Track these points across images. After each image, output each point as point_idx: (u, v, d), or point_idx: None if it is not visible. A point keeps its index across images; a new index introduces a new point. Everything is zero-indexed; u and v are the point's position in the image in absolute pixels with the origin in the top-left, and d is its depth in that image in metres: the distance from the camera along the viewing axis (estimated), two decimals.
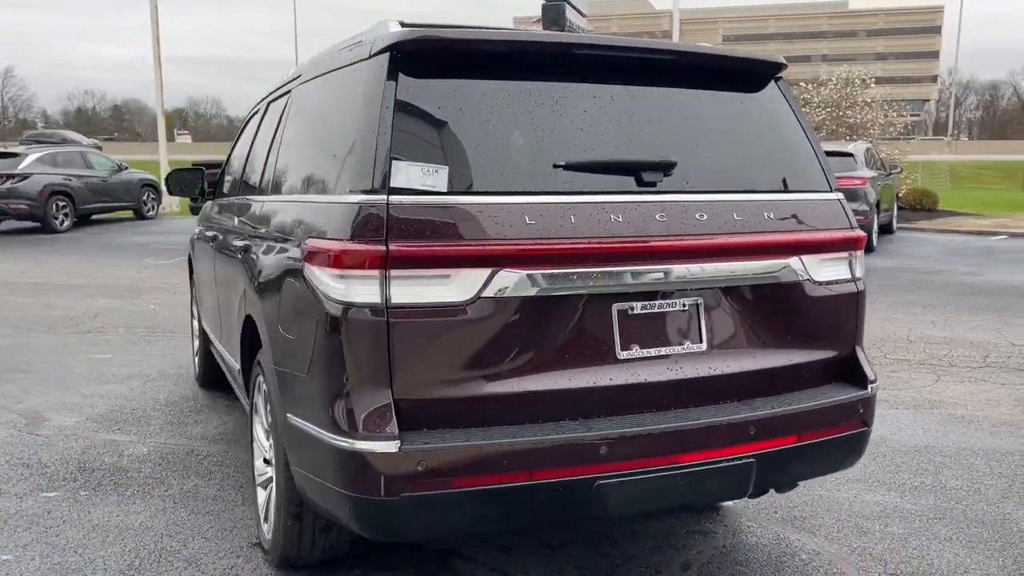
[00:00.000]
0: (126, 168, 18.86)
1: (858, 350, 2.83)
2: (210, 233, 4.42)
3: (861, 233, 2.81)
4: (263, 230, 3.10)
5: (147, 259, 12.70)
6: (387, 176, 2.29)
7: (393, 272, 2.24)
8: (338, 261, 2.31)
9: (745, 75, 2.84)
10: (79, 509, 3.60)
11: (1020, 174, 33.73)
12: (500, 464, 2.25)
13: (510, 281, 2.29)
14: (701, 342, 2.55)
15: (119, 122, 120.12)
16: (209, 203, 4.98)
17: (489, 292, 2.28)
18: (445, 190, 2.31)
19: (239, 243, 3.43)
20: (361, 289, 2.26)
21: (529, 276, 2.30)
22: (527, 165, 2.42)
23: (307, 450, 2.51)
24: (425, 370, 2.28)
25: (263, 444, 3.24)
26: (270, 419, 3.03)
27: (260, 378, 3.09)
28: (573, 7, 14.94)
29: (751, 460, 2.49)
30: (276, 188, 3.20)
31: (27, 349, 6.73)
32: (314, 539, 2.86)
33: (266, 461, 3.24)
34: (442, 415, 2.31)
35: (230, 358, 3.87)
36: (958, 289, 9.35)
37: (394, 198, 2.27)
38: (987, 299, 8.87)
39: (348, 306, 2.28)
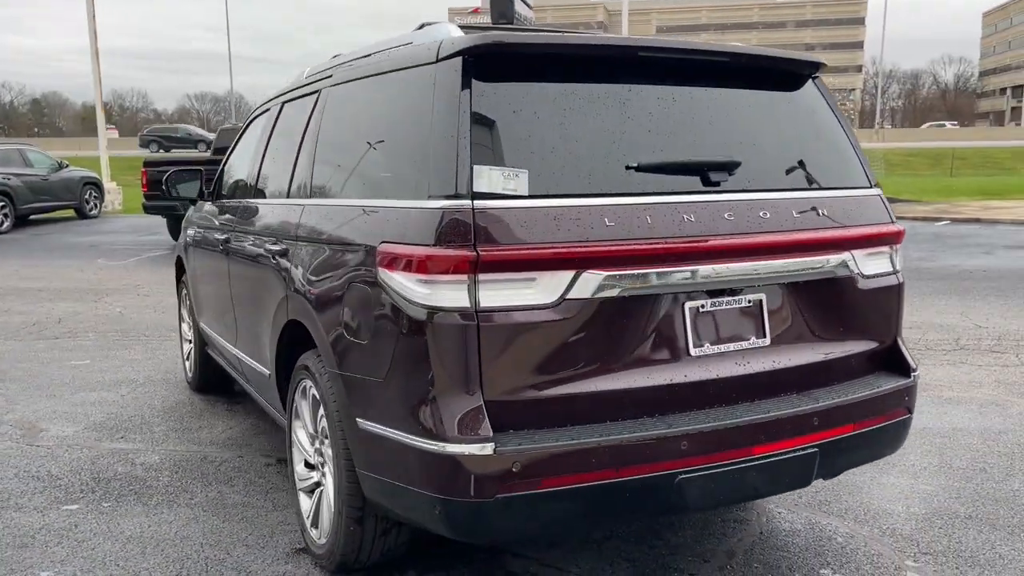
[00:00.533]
0: (67, 166, 18.24)
1: (899, 340, 2.95)
2: (219, 236, 4.33)
3: (901, 227, 2.93)
4: (308, 234, 3.06)
5: (99, 260, 12.33)
6: (470, 181, 2.30)
7: (481, 276, 2.25)
8: (422, 266, 2.31)
9: (789, 75, 2.93)
10: (106, 521, 3.51)
11: (947, 160, 35.11)
12: (589, 463, 2.30)
13: (593, 282, 2.32)
14: (765, 337, 2.63)
15: (39, 117, 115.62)
16: (207, 205, 4.87)
17: (573, 294, 2.31)
18: (526, 193, 2.34)
19: (272, 247, 3.38)
20: (449, 294, 2.27)
21: (611, 277, 2.34)
22: (601, 167, 2.46)
23: (384, 454, 2.51)
24: (512, 372, 2.31)
25: (306, 448, 3.21)
26: (320, 424, 3.01)
27: (306, 383, 3.06)
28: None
29: (815, 450, 2.59)
30: (318, 192, 3.16)
31: None
32: (374, 542, 2.85)
33: (308, 465, 3.22)
34: (528, 416, 2.34)
35: (254, 363, 3.81)
36: (916, 275, 9.71)
37: (479, 203, 2.29)
38: (946, 283, 9.25)
39: (434, 310, 2.29)
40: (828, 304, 2.76)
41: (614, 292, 2.35)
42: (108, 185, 20.18)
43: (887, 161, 34.43)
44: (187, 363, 5.73)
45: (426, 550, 3.18)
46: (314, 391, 2.99)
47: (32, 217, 17.69)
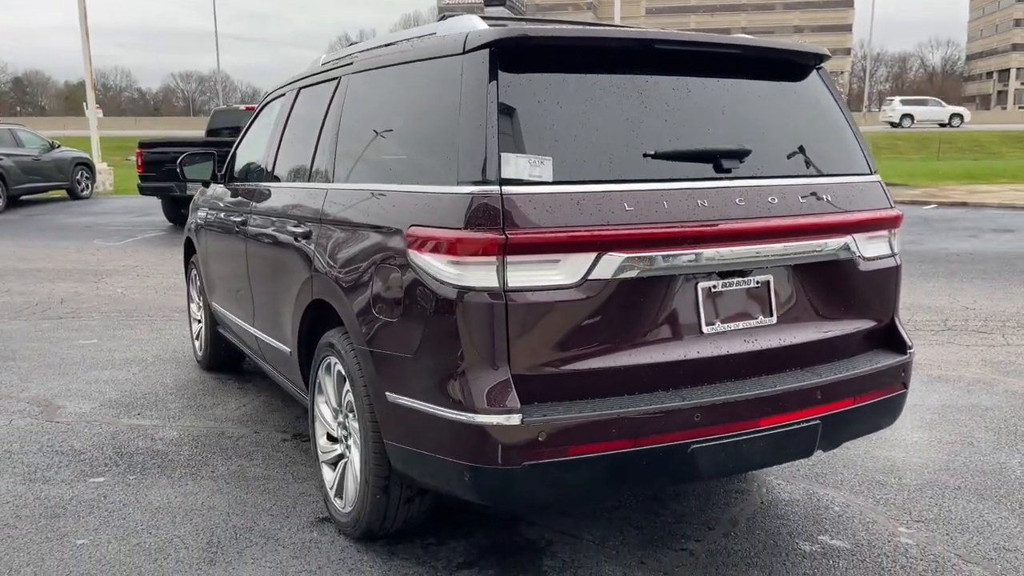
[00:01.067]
0: (58, 146, 18.18)
1: (896, 319, 3.12)
2: (234, 218, 4.44)
3: (900, 212, 3.09)
4: (334, 217, 3.18)
5: (95, 241, 12.37)
6: (498, 168, 2.43)
7: (509, 258, 2.39)
8: (453, 248, 2.44)
9: (795, 65, 3.07)
10: (134, 492, 3.65)
11: (933, 144, 35.38)
12: (609, 433, 2.45)
13: (614, 263, 2.47)
14: (772, 316, 2.78)
15: (21, 95, 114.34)
16: (219, 187, 4.98)
17: (595, 274, 2.46)
18: (551, 179, 2.47)
19: (294, 229, 3.50)
20: (478, 274, 2.41)
21: (630, 258, 2.48)
22: (620, 154, 2.59)
23: (413, 426, 2.65)
24: (537, 348, 2.45)
25: (329, 422, 3.35)
26: (345, 398, 3.15)
27: (331, 359, 3.20)
28: None
29: (818, 422, 2.75)
30: (341, 177, 3.28)
31: (2, 336, 6.58)
32: (399, 510, 3.01)
33: (331, 439, 3.36)
34: (552, 389, 2.49)
35: (273, 341, 3.94)
36: (905, 258, 9.82)
37: (507, 188, 2.42)
38: (933, 266, 9.46)
39: (464, 290, 2.43)
40: (831, 285, 2.92)
41: (633, 273, 2.50)
42: (99, 166, 20.13)
43: (874, 144, 34.68)
44: (196, 342, 5.84)
45: (446, 518, 3.33)
46: (339, 367, 3.12)
47: (23, 198, 17.66)
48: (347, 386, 3.08)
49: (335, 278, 3.07)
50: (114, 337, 6.59)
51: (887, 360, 2.99)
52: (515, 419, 2.38)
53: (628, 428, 2.47)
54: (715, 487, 3.69)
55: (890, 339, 3.09)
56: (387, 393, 2.75)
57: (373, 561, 3.05)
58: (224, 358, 5.52)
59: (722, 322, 2.69)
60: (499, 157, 2.44)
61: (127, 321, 7.20)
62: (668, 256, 2.54)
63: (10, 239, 12.61)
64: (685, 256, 2.56)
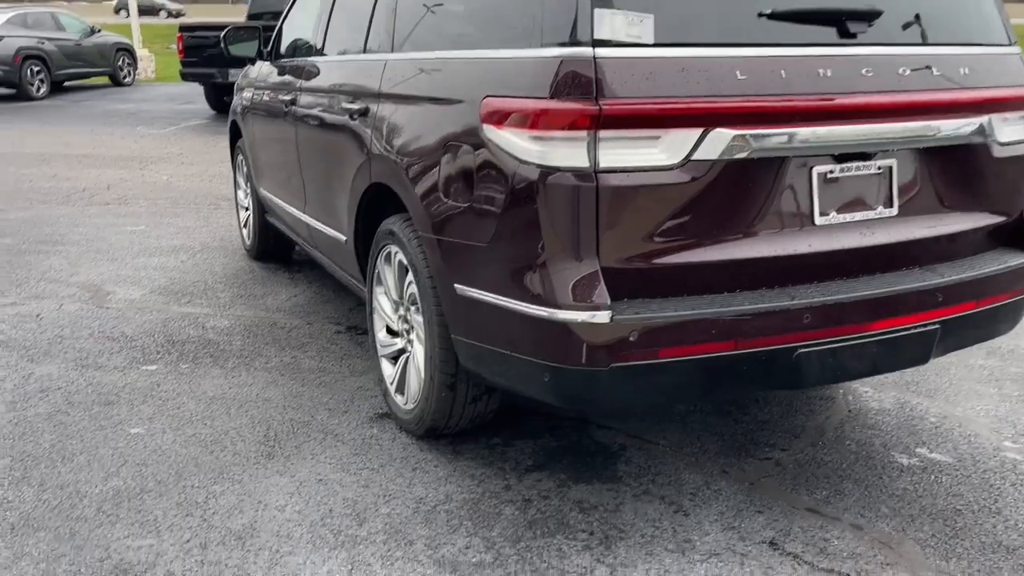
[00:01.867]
0: (99, 31, 17.81)
1: None
2: (282, 97, 4.15)
3: None
4: (394, 91, 2.88)
5: (139, 128, 12.16)
6: (590, 26, 2.09)
7: (602, 133, 2.08)
8: (536, 122, 2.14)
9: None
10: (187, 382, 3.52)
11: None
12: (708, 334, 2.19)
13: (722, 141, 2.14)
14: (892, 207, 2.45)
15: None
16: (265, 65, 4.66)
17: (699, 154, 2.14)
18: (651, 41, 2.13)
19: (349, 106, 3.20)
20: (565, 152, 2.11)
21: (741, 136, 2.16)
22: (732, 13, 2.23)
23: (485, 321, 2.42)
24: (630, 237, 2.17)
25: (388, 315, 3.15)
26: (408, 290, 2.92)
27: (391, 248, 2.96)
28: None
29: (936, 327, 2.46)
30: (402, 46, 2.95)
31: (51, 221, 6.47)
32: (464, 408, 2.82)
33: (391, 332, 3.16)
34: (644, 284, 2.22)
35: (326, 229, 3.71)
36: None
37: (601, 51, 2.09)
38: None
39: (548, 170, 2.14)
40: (959, 173, 2.56)
41: (743, 153, 2.17)
42: (140, 52, 19.76)
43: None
44: (244, 231, 5.66)
45: (510, 417, 3.15)
46: (401, 257, 2.88)
47: (66, 84, 17.46)
48: (410, 277, 2.84)
49: (396, 159, 2.79)
50: (161, 224, 6.44)
51: (1016, 260, 2.65)
52: (603, 316, 2.12)
53: (729, 329, 2.20)
54: (797, 393, 3.44)
55: (1018, 236, 2.74)
56: (456, 285, 2.50)
57: (437, 460, 2.89)
58: (273, 247, 5.33)
59: (837, 212, 2.37)
60: (592, 13, 2.09)
61: (173, 208, 7.04)
62: (783, 134, 2.20)
63: (55, 125, 12.47)
64: (803, 134, 2.22)
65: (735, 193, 2.23)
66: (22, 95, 15.27)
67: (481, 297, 2.40)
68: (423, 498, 2.65)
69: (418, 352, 2.89)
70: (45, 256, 5.48)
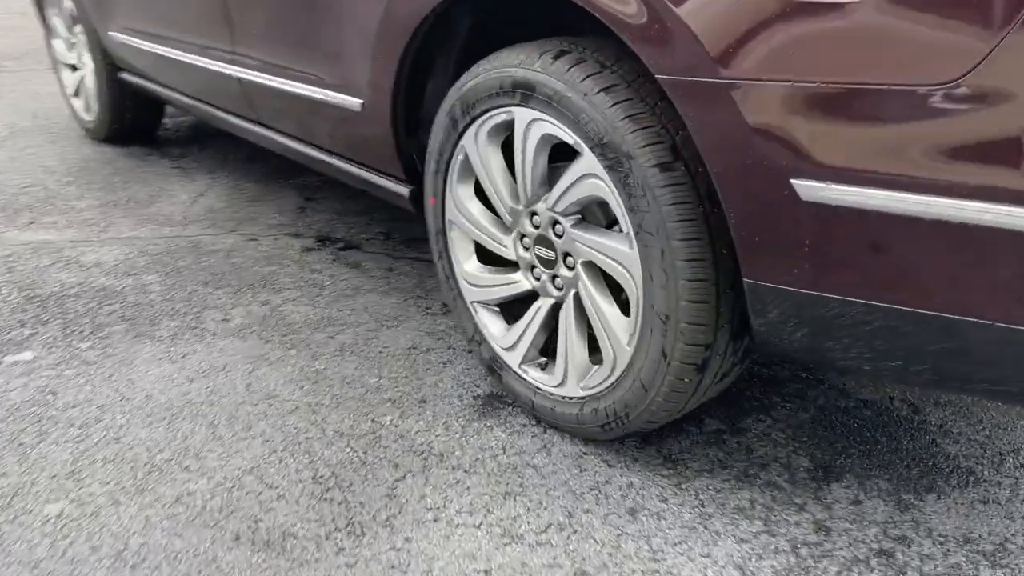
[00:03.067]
0: None
1: None
2: None
3: None
4: None
5: None
6: None
7: None
8: None
9: None
10: (110, 386, 2.01)
11: None
12: None
13: None
14: None
15: None
16: None
17: None
18: None
19: None
20: None
21: None
22: None
23: (891, 256, 1.16)
24: None
25: (495, 234, 1.79)
26: (573, 191, 1.58)
27: (521, 114, 1.57)
28: None
29: None
30: None
31: None
32: (703, 394, 1.60)
33: (495, 262, 1.82)
34: None
35: (306, 89, 2.17)
36: None
37: None
38: None
39: None
40: None
41: None
42: None
43: None
44: (76, 101, 3.84)
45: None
46: (556, 131, 1.51)
47: None
48: (579, 169, 1.50)
49: None
50: None
51: None
52: None
53: None
54: None
55: None
56: (801, 183, 1.20)
57: (663, 490, 1.67)
58: (132, 121, 3.62)
59: None
60: None
61: None
62: None
63: None
64: None
65: None
66: None
67: (895, 206, 1.12)
68: None
69: (598, 303, 1.59)
70: None
